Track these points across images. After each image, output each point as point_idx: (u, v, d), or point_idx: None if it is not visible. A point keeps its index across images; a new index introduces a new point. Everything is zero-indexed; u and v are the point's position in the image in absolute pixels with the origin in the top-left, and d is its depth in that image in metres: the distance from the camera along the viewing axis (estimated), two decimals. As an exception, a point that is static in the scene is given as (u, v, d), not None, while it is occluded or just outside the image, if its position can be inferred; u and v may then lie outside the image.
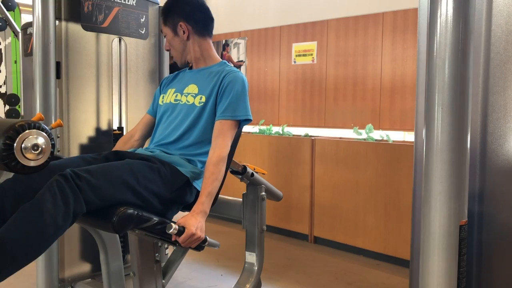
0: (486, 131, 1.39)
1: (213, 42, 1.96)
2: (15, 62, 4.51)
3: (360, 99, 4.07)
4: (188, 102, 1.81)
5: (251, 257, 2.15)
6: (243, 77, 1.81)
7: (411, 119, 3.73)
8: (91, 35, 2.34)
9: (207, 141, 1.76)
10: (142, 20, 2.53)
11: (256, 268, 2.14)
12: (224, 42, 5.10)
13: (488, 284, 1.42)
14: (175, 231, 1.48)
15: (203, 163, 1.74)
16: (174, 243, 1.55)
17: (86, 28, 2.31)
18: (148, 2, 2.55)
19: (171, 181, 1.62)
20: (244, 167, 2.03)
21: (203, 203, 1.60)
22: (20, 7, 4.47)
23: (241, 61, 4.99)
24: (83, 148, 2.35)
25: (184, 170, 1.67)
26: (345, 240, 3.28)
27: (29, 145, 1.30)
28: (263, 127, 4.19)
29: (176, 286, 2.64)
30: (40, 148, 1.32)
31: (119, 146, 1.96)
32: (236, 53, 5.03)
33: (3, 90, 4.58)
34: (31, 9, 2.08)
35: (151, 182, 1.55)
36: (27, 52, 2.74)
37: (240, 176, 2.06)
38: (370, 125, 3.41)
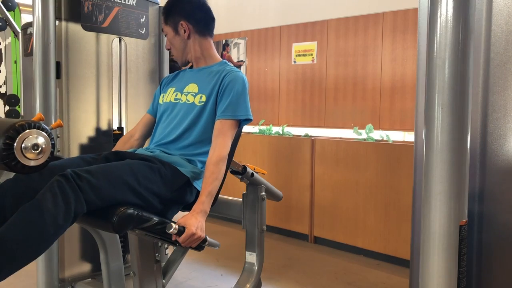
0: (486, 131, 1.39)
1: (213, 42, 1.96)
2: (15, 62, 4.51)
3: (360, 99, 4.07)
4: (188, 101, 1.81)
5: (251, 257, 2.15)
6: (243, 77, 1.81)
7: (411, 119, 3.73)
8: (91, 35, 2.33)
9: (207, 140, 1.76)
10: (142, 20, 2.53)
11: (256, 268, 2.14)
12: (224, 42, 5.10)
13: (488, 284, 1.42)
14: (175, 231, 1.49)
15: (203, 163, 1.74)
16: (174, 243, 1.55)
17: (86, 28, 2.31)
18: (148, 2, 2.55)
19: (171, 181, 1.62)
20: (244, 167, 2.03)
21: (203, 203, 1.60)
22: (20, 7, 4.47)
23: (241, 61, 4.99)
24: (83, 148, 2.35)
25: (185, 170, 1.67)
26: (345, 240, 3.28)
27: (29, 144, 1.30)
28: (263, 127, 4.19)
29: (176, 286, 2.64)
30: (40, 148, 1.32)
31: (119, 146, 1.96)
32: (236, 53, 5.03)
33: (3, 90, 4.58)
34: (31, 9, 2.08)
35: (152, 182, 1.55)
36: (27, 52, 2.74)
37: (240, 176, 2.06)
38: (370, 125, 3.41)
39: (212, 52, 1.92)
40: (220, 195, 1.89)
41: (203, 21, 1.89)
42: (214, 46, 1.96)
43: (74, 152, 2.32)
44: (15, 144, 1.27)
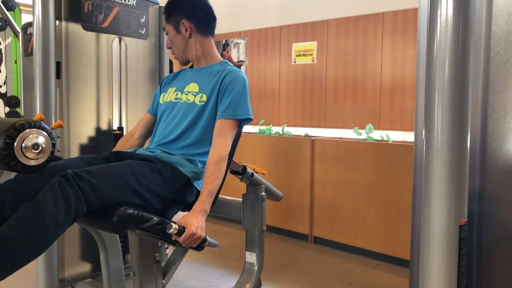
0: (486, 131, 1.39)
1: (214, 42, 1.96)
2: (15, 62, 4.51)
3: (360, 99, 4.07)
4: (189, 100, 1.81)
5: (251, 257, 2.15)
6: (244, 77, 1.82)
7: (411, 119, 3.73)
8: (91, 35, 2.34)
9: (207, 140, 1.76)
10: (142, 20, 2.53)
11: (256, 268, 2.14)
12: (224, 42, 5.10)
13: (488, 284, 1.42)
14: (175, 231, 1.49)
15: (204, 163, 1.74)
16: (174, 243, 1.55)
17: (86, 28, 2.31)
18: (148, 2, 2.55)
19: (172, 181, 1.62)
20: (244, 167, 2.03)
21: (204, 202, 1.60)
22: (20, 7, 4.47)
23: (241, 61, 4.99)
24: (83, 148, 2.35)
25: (185, 170, 1.67)
26: (345, 240, 3.28)
27: (29, 144, 1.30)
28: (263, 127, 4.19)
29: (176, 286, 2.64)
30: (40, 147, 1.32)
31: (120, 145, 1.96)
32: (236, 53, 5.03)
33: (3, 90, 4.58)
34: (31, 9, 2.08)
35: (152, 182, 1.55)
36: (27, 52, 2.74)
37: (240, 176, 2.06)
38: (370, 125, 3.41)
39: (213, 51, 1.92)
40: (220, 195, 1.89)
41: (205, 20, 1.89)
42: (215, 46, 1.96)
43: (74, 152, 2.32)
44: (15, 144, 1.27)
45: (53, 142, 1.38)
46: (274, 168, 3.64)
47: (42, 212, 1.26)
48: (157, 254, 1.72)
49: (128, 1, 2.44)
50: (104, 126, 2.42)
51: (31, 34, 2.33)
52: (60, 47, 2.22)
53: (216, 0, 5.10)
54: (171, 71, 2.69)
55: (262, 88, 4.82)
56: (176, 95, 1.87)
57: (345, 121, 4.17)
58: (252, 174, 2.06)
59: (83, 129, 2.35)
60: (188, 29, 1.85)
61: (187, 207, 1.70)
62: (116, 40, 2.44)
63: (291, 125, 4.45)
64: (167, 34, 1.92)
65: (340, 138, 3.54)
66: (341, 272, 2.93)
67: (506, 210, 1.37)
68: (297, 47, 4.51)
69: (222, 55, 5.15)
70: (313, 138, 3.49)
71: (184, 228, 1.51)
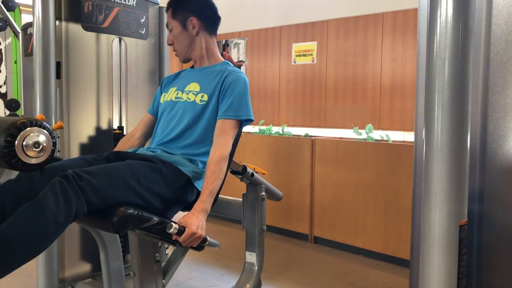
0: (486, 131, 1.39)
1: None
2: (15, 62, 4.51)
3: (360, 99, 4.07)
4: (189, 99, 1.81)
5: (251, 257, 2.15)
6: (245, 78, 1.82)
7: (411, 119, 3.73)
8: (91, 35, 2.34)
9: (208, 140, 1.76)
10: (142, 20, 2.53)
11: (256, 268, 2.14)
12: (224, 42, 5.10)
13: (488, 284, 1.42)
14: (176, 231, 1.49)
15: (204, 163, 1.74)
16: (174, 242, 1.55)
17: (86, 28, 2.31)
18: (148, 2, 2.55)
19: (172, 181, 1.62)
20: (244, 167, 2.03)
21: (205, 202, 1.60)
22: (20, 7, 4.47)
23: (241, 61, 4.99)
24: (83, 148, 2.35)
25: (186, 170, 1.67)
26: (345, 240, 3.28)
27: (30, 142, 1.30)
28: (263, 127, 4.19)
29: (176, 286, 2.64)
30: (41, 146, 1.33)
31: (120, 145, 1.96)
32: (236, 53, 5.03)
33: (3, 90, 4.58)
34: (31, 9, 2.09)
35: (153, 182, 1.55)
36: (27, 52, 2.74)
37: (240, 176, 2.06)
38: (370, 125, 3.41)
39: (215, 51, 1.93)
40: (220, 195, 1.89)
41: (211, 19, 1.90)
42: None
43: (74, 152, 2.32)
44: (16, 142, 1.28)
45: (54, 141, 1.38)
46: (274, 168, 3.64)
47: (42, 211, 1.26)
48: (157, 254, 1.72)
49: (128, 1, 2.44)
50: (104, 126, 2.42)
51: (31, 34, 2.33)
52: (60, 47, 2.22)
53: (216, 0, 5.10)
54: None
55: (262, 88, 4.82)
56: (177, 94, 1.87)
57: (345, 121, 4.17)
58: (252, 174, 2.06)
59: (83, 129, 2.35)
60: (196, 27, 1.85)
61: (187, 207, 1.70)
62: (116, 40, 2.44)
63: (291, 125, 4.45)
64: (170, 30, 1.89)
65: (340, 138, 3.54)
66: (341, 272, 2.93)
67: (506, 210, 1.37)
68: (297, 47, 4.51)
69: (222, 55, 5.14)
70: (313, 138, 3.49)
71: (184, 227, 1.51)
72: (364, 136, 3.39)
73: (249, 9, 4.97)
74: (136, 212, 1.45)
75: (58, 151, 2.27)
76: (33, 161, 1.32)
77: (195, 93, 1.82)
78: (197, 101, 1.79)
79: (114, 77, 2.45)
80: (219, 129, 1.74)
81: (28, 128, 1.30)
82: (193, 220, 1.53)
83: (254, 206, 2.11)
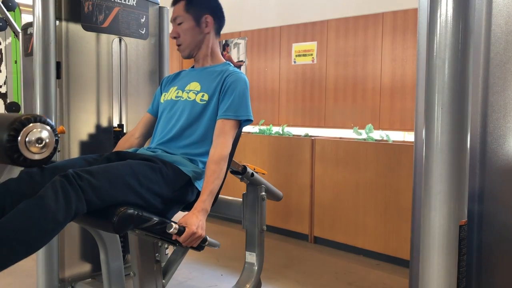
0: (486, 131, 1.39)
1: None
2: (16, 62, 4.51)
3: (360, 99, 4.07)
4: (189, 98, 1.82)
5: (251, 257, 2.15)
6: (245, 78, 1.83)
7: (411, 119, 3.73)
8: (91, 35, 2.34)
9: (208, 140, 1.76)
10: (142, 20, 2.53)
11: (256, 268, 2.14)
12: (224, 42, 5.10)
13: (488, 284, 1.42)
14: (176, 231, 1.49)
15: (204, 163, 1.74)
16: (174, 242, 1.55)
17: (86, 28, 2.31)
18: (148, 2, 2.55)
19: (173, 181, 1.62)
20: (244, 167, 2.03)
21: (205, 201, 1.60)
22: (21, 7, 4.47)
23: (241, 61, 4.99)
24: (83, 148, 2.35)
25: (186, 169, 1.67)
26: (345, 240, 3.28)
27: (33, 138, 1.31)
28: (263, 127, 4.19)
29: (176, 286, 2.64)
30: (44, 142, 1.33)
31: (120, 145, 1.97)
32: (236, 53, 5.03)
33: (3, 90, 4.58)
34: (31, 9, 2.09)
35: (153, 182, 1.56)
36: (28, 52, 2.74)
37: (240, 176, 2.06)
38: (370, 125, 3.41)
39: (218, 52, 1.94)
40: (220, 195, 1.90)
41: (222, 21, 1.91)
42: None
43: (75, 152, 2.32)
44: (19, 137, 1.28)
45: (57, 138, 1.38)
46: (274, 168, 3.64)
47: (42, 209, 1.27)
48: (157, 254, 1.72)
49: (128, 1, 2.44)
50: (104, 126, 2.42)
51: (31, 34, 2.33)
52: (60, 47, 2.22)
53: (216, 0, 5.09)
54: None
55: (262, 88, 4.82)
56: (177, 93, 1.87)
57: (345, 121, 4.17)
58: (252, 174, 2.06)
59: (83, 129, 2.35)
60: (209, 25, 1.85)
61: (188, 206, 1.70)
62: (116, 40, 2.44)
63: (291, 125, 4.45)
64: (178, 24, 1.84)
65: (340, 138, 3.54)
66: (341, 272, 2.93)
67: (506, 210, 1.37)
68: (297, 47, 4.51)
69: (222, 55, 5.15)
70: (313, 138, 3.49)
71: (184, 227, 1.51)
72: (364, 136, 3.39)
73: (249, 9, 4.98)
74: (136, 212, 1.45)
75: (58, 151, 2.26)
76: (36, 157, 1.32)
77: (196, 92, 1.82)
78: (197, 100, 1.80)
79: (114, 77, 2.45)
80: (219, 129, 1.74)
81: (32, 124, 1.30)
82: (193, 220, 1.53)
83: (254, 206, 2.11)
